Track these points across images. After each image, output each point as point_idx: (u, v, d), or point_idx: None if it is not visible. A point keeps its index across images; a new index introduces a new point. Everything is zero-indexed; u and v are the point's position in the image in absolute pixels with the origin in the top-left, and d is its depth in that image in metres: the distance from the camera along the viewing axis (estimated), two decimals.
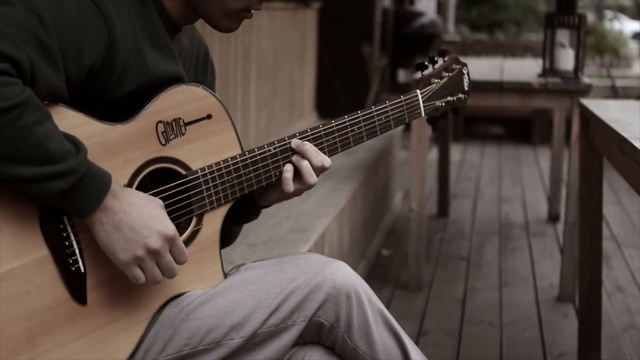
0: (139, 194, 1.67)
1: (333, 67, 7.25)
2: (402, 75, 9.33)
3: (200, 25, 1.93)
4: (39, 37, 1.54)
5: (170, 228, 1.66)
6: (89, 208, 1.60)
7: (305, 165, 1.88)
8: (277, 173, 1.88)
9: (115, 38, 1.66)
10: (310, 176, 1.89)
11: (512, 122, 9.92)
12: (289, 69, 5.88)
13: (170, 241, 1.66)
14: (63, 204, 1.59)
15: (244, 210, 1.98)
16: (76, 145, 1.58)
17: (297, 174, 1.90)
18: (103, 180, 1.60)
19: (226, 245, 2.03)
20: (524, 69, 5.25)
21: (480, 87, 4.30)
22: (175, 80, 1.78)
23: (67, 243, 1.63)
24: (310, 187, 1.90)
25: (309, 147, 1.89)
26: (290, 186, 1.88)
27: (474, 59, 6.47)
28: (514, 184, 7.36)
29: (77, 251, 1.64)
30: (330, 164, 1.92)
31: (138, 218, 1.63)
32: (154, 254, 1.64)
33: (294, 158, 1.89)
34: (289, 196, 1.92)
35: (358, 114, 1.98)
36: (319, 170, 1.90)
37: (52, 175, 1.53)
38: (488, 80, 4.45)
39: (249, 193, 1.92)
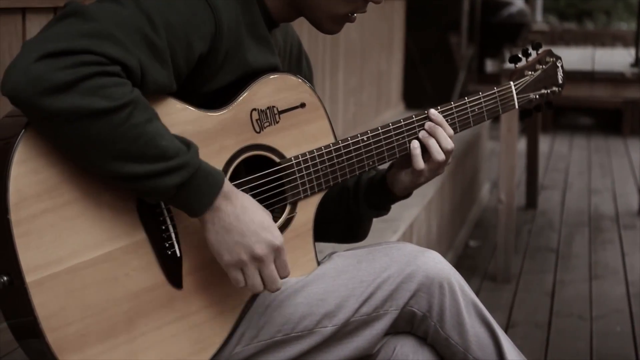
0: (251, 199, 1.66)
1: (420, 57, 7.21)
2: (489, 66, 9.25)
3: None
4: (149, 38, 1.55)
5: (278, 239, 1.65)
6: (201, 206, 1.60)
7: (432, 142, 1.88)
8: (371, 162, 1.88)
9: (221, 29, 1.67)
10: (438, 153, 1.88)
11: (602, 113, 9.75)
12: (376, 59, 5.86)
13: (276, 252, 1.65)
14: (176, 202, 1.60)
15: (376, 200, 1.98)
16: (186, 143, 1.59)
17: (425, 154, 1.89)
18: (215, 178, 1.60)
19: (358, 239, 2.05)
20: (615, 58, 5.17)
21: (571, 77, 4.21)
22: (271, 70, 1.79)
23: (163, 227, 1.65)
24: (439, 165, 1.90)
25: (440, 130, 1.90)
26: (420, 163, 1.88)
27: (563, 49, 6.39)
28: (603, 175, 7.24)
29: (173, 235, 1.66)
30: (452, 147, 1.92)
31: (249, 223, 1.62)
32: (257, 260, 1.64)
33: (421, 134, 1.89)
34: (419, 179, 1.91)
35: (451, 104, 1.96)
36: (448, 152, 1.90)
37: (167, 170, 1.53)
38: (579, 70, 4.38)
39: (380, 182, 1.94)
